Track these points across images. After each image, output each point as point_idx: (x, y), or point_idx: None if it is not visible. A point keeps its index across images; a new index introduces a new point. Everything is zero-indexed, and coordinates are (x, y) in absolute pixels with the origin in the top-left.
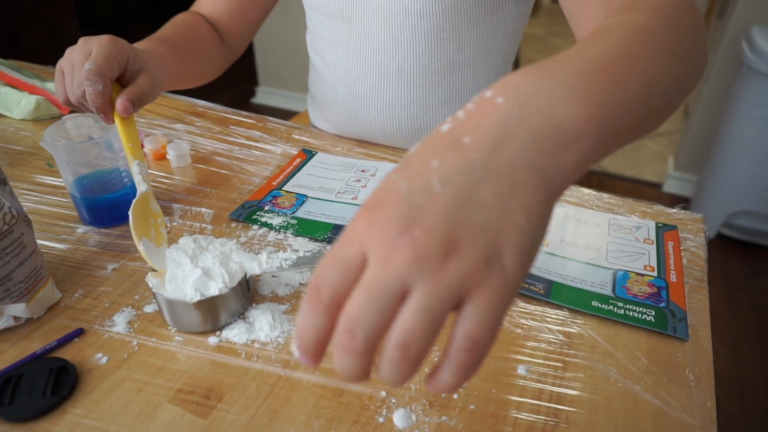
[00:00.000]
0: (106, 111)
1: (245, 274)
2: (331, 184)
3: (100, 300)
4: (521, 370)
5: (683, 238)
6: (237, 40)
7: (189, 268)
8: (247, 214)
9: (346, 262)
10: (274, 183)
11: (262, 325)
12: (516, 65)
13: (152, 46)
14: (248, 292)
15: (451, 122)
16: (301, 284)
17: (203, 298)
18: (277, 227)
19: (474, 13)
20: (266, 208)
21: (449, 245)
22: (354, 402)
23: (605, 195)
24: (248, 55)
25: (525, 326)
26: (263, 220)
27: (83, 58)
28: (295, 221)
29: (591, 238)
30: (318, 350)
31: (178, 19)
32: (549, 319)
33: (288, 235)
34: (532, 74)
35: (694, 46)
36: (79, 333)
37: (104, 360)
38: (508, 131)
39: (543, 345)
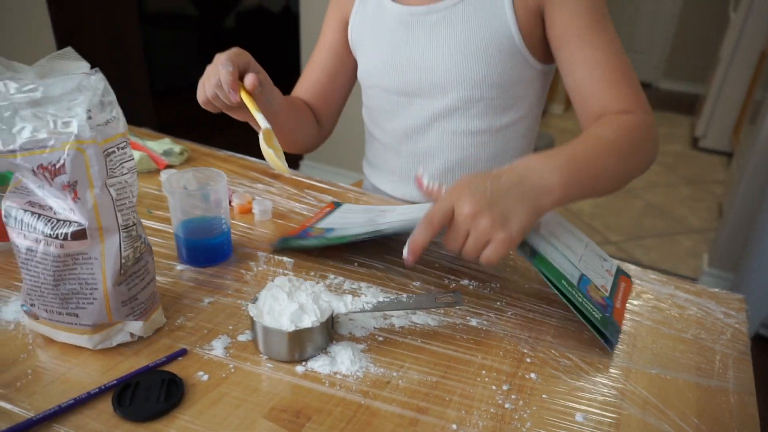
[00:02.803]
0: (235, 88)
1: (332, 312)
2: (354, 220)
3: (199, 327)
4: (579, 417)
5: (725, 314)
6: (326, 119)
7: (286, 302)
8: (283, 241)
9: (444, 211)
10: (306, 224)
11: (343, 359)
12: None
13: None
14: (332, 330)
15: (496, 170)
16: (375, 328)
17: (297, 329)
18: (306, 246)
19: (517, 86)
20: (300, 237)
21: (487, 213)
22: (427, 431)
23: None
24: None
25: (583, 378)
26: (299, 245)
27: (216, 64)
28: (326, 240)
29: (572, 243)
30: (420, 252)
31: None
32: (601, 378)
33: (362, 285)
34: (540, 157)
35: (640, 154)
36: (183, 353)
37: (205, 377)
38: (520, 179)
39: (598, 397)
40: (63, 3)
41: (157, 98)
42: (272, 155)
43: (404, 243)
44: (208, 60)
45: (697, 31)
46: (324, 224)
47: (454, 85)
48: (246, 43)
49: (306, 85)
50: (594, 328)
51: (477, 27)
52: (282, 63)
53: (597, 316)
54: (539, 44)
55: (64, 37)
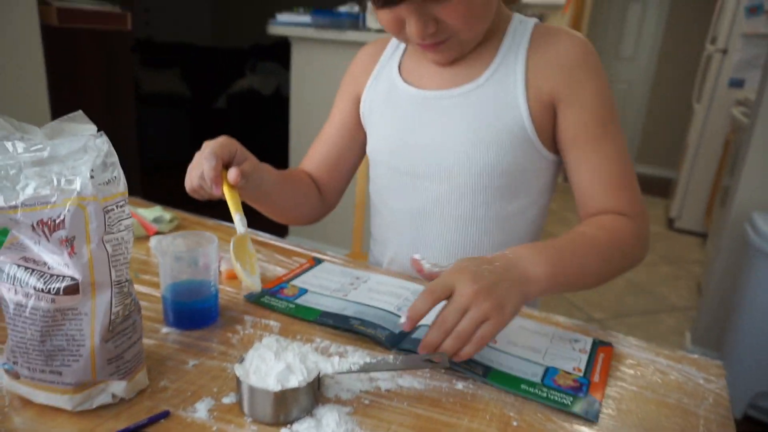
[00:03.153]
0: (217, 182)
1: (319, 373)
2: (328, 284)
3: (183, 389)
4: None
5: (706, 380)
6: (332, 192)
7: (273, 362)
8: (257, 297)
9: (446, 286)
10: (284, 278)
11: (329, 422)
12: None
13: (263, 164)
14: (318, 392)
15: (488, 256)
16: (361, 391)
17: (284, 389)
18: (278, 309)
19: (526, 175)
20: (274, 294)
21: (487, 296)
22: None
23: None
24: None
25: None
26: (269, 303)
27: (201, 155)
28: (293, 306)
29: (533, 342)
30: (418, 320)
31: (288, 169)
32: None
33: (348, 348)
34: (529, 248)
35: (626, 256)
36: (166, 415)
37: None
38: (511, 266)
39: None
40: (62, 83)
41: (146, 173)
42: (239, 269)
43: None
44: (199, 138)
45: (665, 120)
46: (299, 281)
47: (462, 170)
48: (236, 124)
49: (314, 158)
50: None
51: (490, 114)
52: (271, 144)
53: (567, 402)
54: (551, 136)
55: (60, 112)
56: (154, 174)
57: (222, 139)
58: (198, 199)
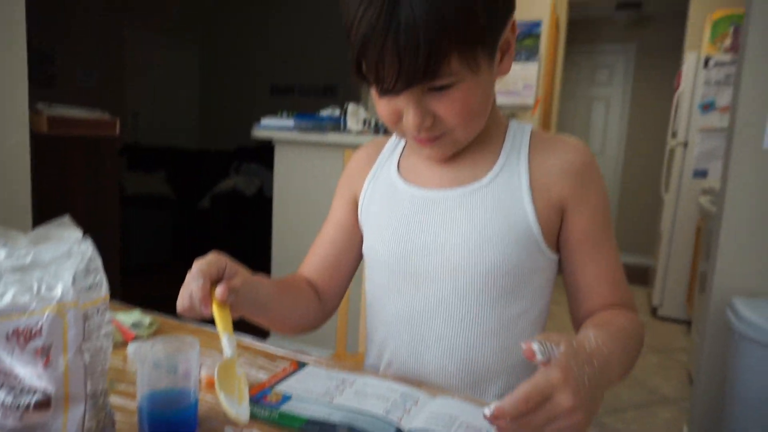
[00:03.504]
0: (206, 302)
1: None
2: (314, 388)
3: None
4: None
5: None
6: (331, 296)
7: None
8: None
9: (544, 395)
10: (266, 384)
11: None
12: None
13: (256, 277)
14: None
15: (585, 350)
16: None
17: None
18: (261, 418)
19: (530, 274)
20: (256, 402)
21: (582, 410)
22: None
23: None
24: None
25: None
26: (251, 411)
27: (191, 273)
28: (277, 414)
29: None
30: (502, 420)
31: (286, 276)
32: None
33: None
34: (601, 344)
35: (637, 348)
36: None
37: None
38: (603, 371)
39: None
40: (48, 187)
41: (127, 275)
42: (224, 401)
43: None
44: (182, 239)
45: (637, 210)
46: (283, 387)
47: (467, 269)
48: (219, 225)
49: (313, 261)
50: None
51: (495, 214)
52: (254, 244)
53: None
54: (556, 236)
55: (45, 214)
56: (136, 275)
57: (210, 257)
58: (191, 318)
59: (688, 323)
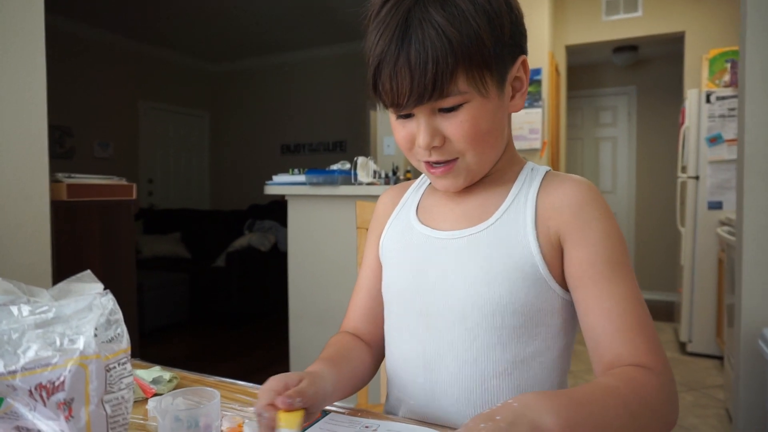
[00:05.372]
0: (269, 410)
1: None
2: None
3: None
4: None
5: None
6: (378, 343)
7: None
8: None
9: None
10: None
11: None
12: None
13: (313, 368)
14: None
15: (491, 409)
16: None
17: None
18: None
19: (542, 314)
20: None
21: None
22: None
23: None
24: (283, 362)
25: None
26: None
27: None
28: None
29: None
30: None
31: (331, 341)
32: None
33: None
34: (539, 396)
35: (654, 413)
36: None
37: None
38: (517, 419)
39: None
40: (66, 250)
41: (145, 336)
42: None
43: None
44: (198, 301)
45: (654, 246)
46: None
47: (474, 309)
48: (235, 281)
49: (354, 314)
50: None
51: (500, 253)
52: (271, 298)
53: None
54: (562, 275)
55: (64, 275)
56: (155, 336)
57: (269, 384)
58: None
59: (719, 358)
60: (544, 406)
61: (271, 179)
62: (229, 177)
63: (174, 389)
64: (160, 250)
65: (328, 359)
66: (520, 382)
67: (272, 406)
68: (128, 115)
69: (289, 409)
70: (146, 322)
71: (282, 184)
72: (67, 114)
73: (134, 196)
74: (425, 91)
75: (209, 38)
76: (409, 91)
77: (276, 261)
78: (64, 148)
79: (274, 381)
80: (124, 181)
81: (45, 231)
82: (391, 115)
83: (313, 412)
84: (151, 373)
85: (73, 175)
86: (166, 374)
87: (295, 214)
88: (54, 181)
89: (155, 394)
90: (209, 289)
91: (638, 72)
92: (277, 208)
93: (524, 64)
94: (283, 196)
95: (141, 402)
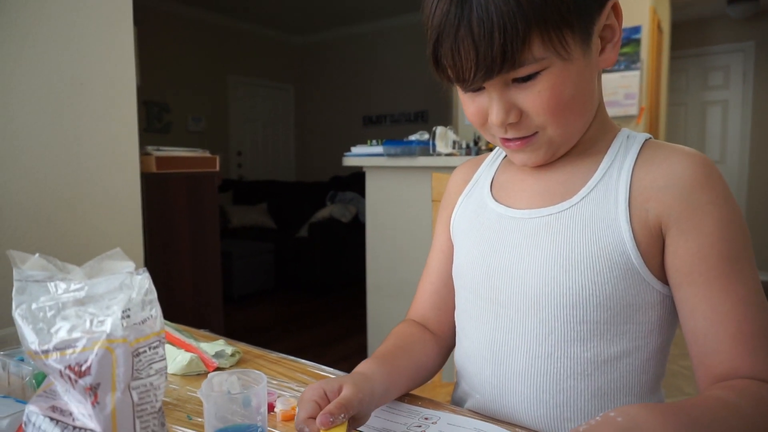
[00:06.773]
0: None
1: None
2: (393, 426)
3: None
4: None
5: None
6: (447, 330)
7: None
8: None
9: None
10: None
11: None
12: None
13: (361, 368)
14: None
15: (585, 424)
16: None
17: None
18: None
19: (632, 309)
20: None
21: None
22: None
23: None
24: (362, 332)
25: None
26: None
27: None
28: None
29: None
30: None
31: (393, 332)
32: None
33: None
34: (649, 410)
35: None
36: None
37: None
38: None
39: None
40: (155, 220)
41: (228, 305)
42: None
43: None
44: (282, 269)
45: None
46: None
47: (549, 300)
48: (317, 252)
49: (422, 299)
50: None
51: (584, 238)
52: (352, 269)
53: None
54: (660, 265)
55: (155, 244)
56: (242, 302)
57: (306, 394)
58: None
59: None
60: (655, 423)
61: (350, 151)
62: (313, 149)
63: (236, 364)
64: (248, 220)
65: (381, 356)
66: (601, 385)
67: (314, 419)
68: (218, 90)
69: (331, 427)
70: (234, 289)
71: (360, 155)
72: (164, 91)
73: (218, 168)
74: (493, 64)
75: (293, 10)
76: (475, 66)
77: (357, 232)
78: (162, 123)
79: (313, 390)
80: (208, 153)
81: (136, 201)
82: (459, 90)
83: (362, 417)
84: (214, 346)
85: (161, 148)
86: (229, 348)
87: (372, 185)
88: (144, 153)
89: (217, 368)
90: (293, 258)
91: (758, 25)
92: (358, 180)
93: (615, 8)
94: (361, 168)
95: (203, 376)
